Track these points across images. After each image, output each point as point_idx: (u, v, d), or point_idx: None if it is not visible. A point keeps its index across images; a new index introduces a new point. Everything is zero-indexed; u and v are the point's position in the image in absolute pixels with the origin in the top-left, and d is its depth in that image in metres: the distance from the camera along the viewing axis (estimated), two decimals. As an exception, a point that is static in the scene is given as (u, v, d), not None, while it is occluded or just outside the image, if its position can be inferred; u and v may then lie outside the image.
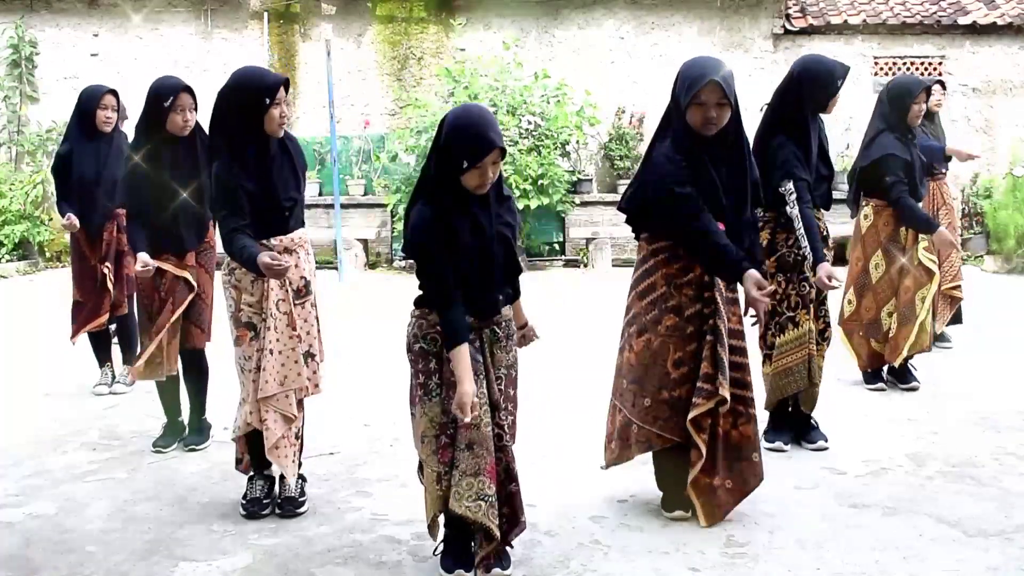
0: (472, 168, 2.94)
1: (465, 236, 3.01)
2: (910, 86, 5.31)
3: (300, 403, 3.79)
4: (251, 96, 3.57)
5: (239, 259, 3.56)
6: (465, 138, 2.93)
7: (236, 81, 3.62)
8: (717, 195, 3.48)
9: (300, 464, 3.83)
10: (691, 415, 3.50)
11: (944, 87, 6.70)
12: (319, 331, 3.95)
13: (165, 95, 4.32)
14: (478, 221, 3.03)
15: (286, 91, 3.66)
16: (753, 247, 3.61)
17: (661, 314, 3.55)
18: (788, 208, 4.18)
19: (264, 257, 3.39)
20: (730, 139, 3.49)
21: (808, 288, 4.36)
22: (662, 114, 3.65)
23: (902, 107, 5.25)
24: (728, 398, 3.49)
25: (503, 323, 3.18)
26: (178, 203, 4.40)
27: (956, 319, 6.71)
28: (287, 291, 3.72)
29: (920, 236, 5.36)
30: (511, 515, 3.13)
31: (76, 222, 5.48)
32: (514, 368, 3.22)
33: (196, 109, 4.43)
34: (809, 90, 4.33)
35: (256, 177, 3.64)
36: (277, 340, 3.69)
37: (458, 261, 3.01)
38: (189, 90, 4.38)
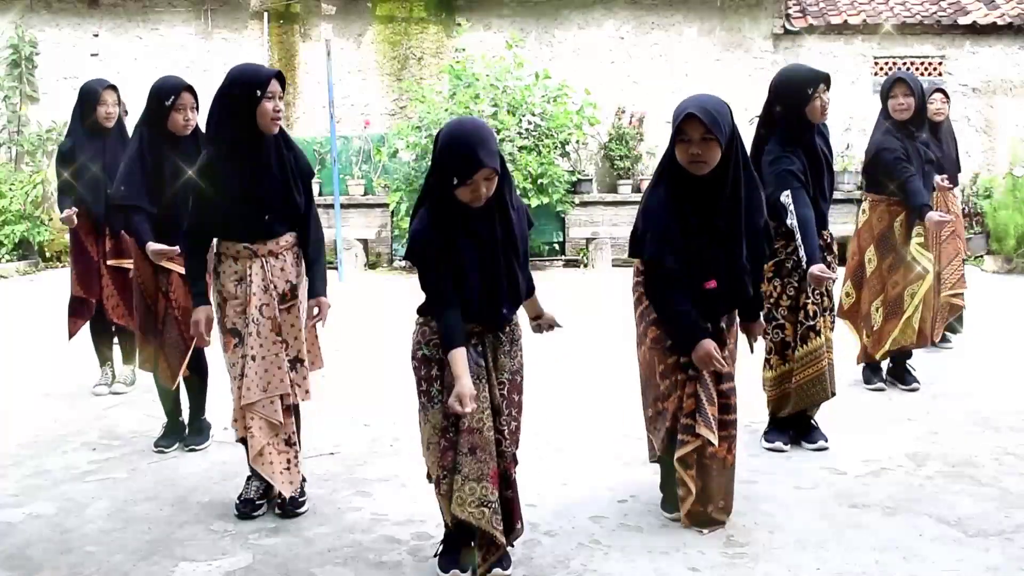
0: (463, 184, 2.90)
1: (466, 247, 2.98)
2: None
3: (289, 409, 3.74)
4: (243, 89, 3.55)
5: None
6: (455, 156, 2.88)
7: (230, 75, 3.61)
8: (708, 248, 3.37)
9: (299, 473, 3.77)
10: (678, 454, 3.48)
11: (946, 95, 6.40)
12: (316, 336, 3.93)
13: (166, 95, 4.33)
14: (478, 233, 2.99)
15: (281, 85, 3.62)
16: (749, 296, 3.53)
17: (647, 327, 3.57)
18: (788, 220, 4.16)
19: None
20: (726, 181, 3.32)
21: (823, 297, 4.37)
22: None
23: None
24: (715, 442, 3.45)
25: (508, 328, 3.16)
26: (178, 202, 4.33)
27: (952, 328, 6.64)
28: (271, 296, 3.69)
29: (914, 232, 5.38)
30: (507, 522, 3.08)
31: (75, 218, 5.49)
32: (519, 374, 3.19)
33: (197, 108, 4.41)
34: (783, 97, 4.30)
35: (242, 176, 3.60)
36: (260, 346, 3.66)
37: (459, 271, 2.99)
38: (190, 89, 4.39)
